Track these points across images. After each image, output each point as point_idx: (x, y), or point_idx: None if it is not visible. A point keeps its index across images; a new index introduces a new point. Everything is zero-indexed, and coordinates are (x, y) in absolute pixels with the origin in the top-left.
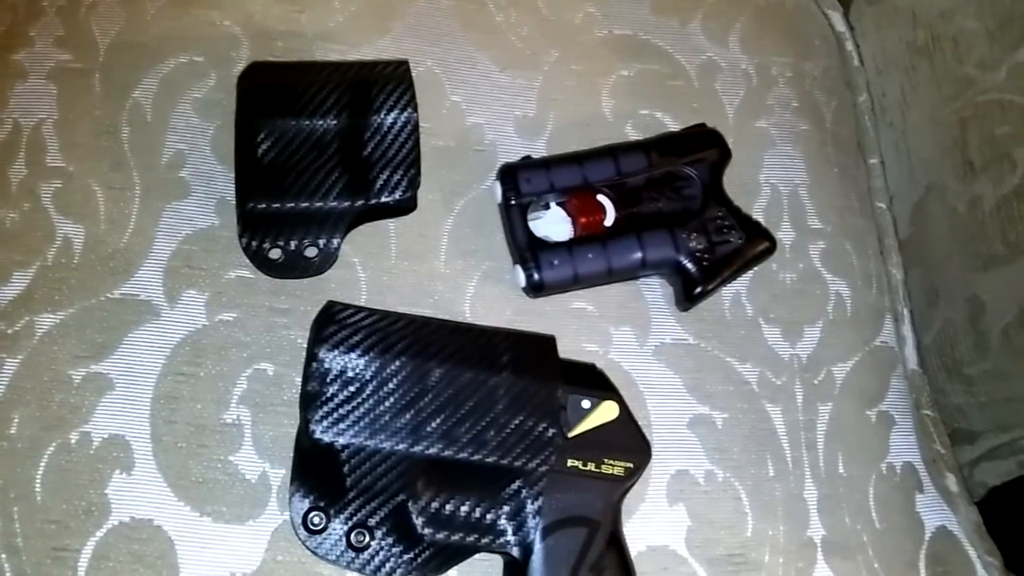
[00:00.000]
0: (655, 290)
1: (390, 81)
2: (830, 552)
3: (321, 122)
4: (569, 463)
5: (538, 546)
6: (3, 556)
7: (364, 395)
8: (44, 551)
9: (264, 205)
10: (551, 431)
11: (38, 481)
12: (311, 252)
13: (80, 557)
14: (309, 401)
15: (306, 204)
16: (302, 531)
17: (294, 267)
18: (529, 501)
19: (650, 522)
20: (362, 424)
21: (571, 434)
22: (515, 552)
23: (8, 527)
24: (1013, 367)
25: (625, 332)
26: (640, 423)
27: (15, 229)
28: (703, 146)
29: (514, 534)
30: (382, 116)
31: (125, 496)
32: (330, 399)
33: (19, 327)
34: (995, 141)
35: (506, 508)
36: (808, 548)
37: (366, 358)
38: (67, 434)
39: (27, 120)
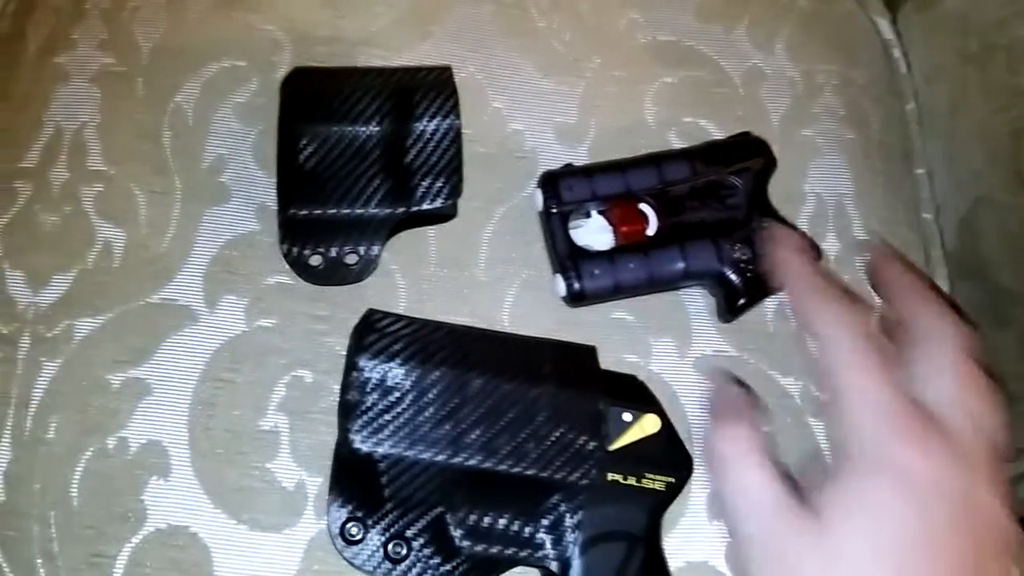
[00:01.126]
0: (697, 300)
1: (433, 88)
2: None
3: (363, 128)
4: (610, 477)
5: (576, 560)
6: (39, 561)
7: (404, 405)
8: (80, 557)
9: (306, 211)
10: (592, 444)
11: (75, 486)
12: (351, 259)
13: (116, 563)
14: (349, 410)
15: (347, 211)
16: (339, 541)
17: (334, 274)
18: (568, 515)
19: (690, 538)
20: (402, 434)
21: (612, 447)
22: (553, 566)
23: (45, 532)
24: None
25: (666, 343)
26: (681, 436)
27: (56, 232)
28: (748, 155)
29: (553, 548)
30: (424, 123)
31: (162, 502)
32: (370, 408)
33: (58, 331)
34: None
35: (545, 521)
36: None
37: (407, 367)
38: (104, 439)
39: (69, 123)
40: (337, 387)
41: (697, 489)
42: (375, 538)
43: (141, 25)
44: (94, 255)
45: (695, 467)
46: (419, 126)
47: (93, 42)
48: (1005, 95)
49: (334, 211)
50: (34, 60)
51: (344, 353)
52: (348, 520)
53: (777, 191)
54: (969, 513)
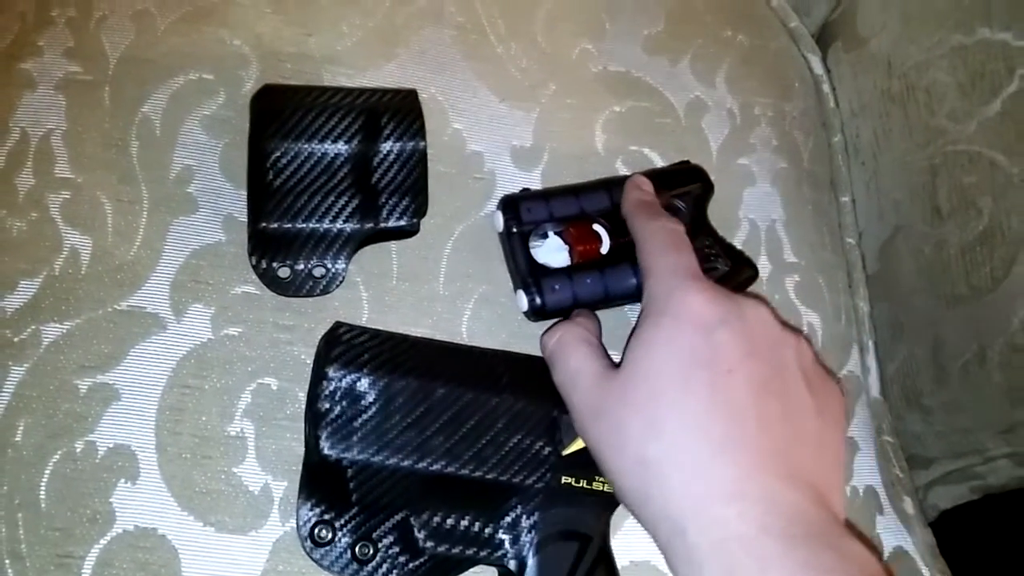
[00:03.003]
0: None
1: (400, 110)
2: None
3: (333, 146)
4: (563, 480)
5: (532, 559)
6: (7, 562)
7: (371, 413)
8: (48, 558)
9: (275, 225)
10: (547, 449)
11: (43, 488)
12: (319, 272)
13: (84, 564)
14: (318, 419)
15: (316, 226)
16: (308, 543)
17: (302, 286)
18: (525, 516)
19: (635, 538)
20: (369, 441)
21: (565, 452)
22: (511, 565)
23: (12, 533)
24: (969, 400)
25: (614, 356)
26: None
27: (22, 238)
28: (689, 180)
29: (511, 547)
30: (392, 143)
31: (130, 505)
32: (338, 417)
33: (25, 335)
34: (963, 190)
35: (503, 522)
36: None
37: (373, 378)
38: (73, 443)
39: (35, 130)
40: (302, 395)
41: None
42: (343, 540)
43: (109, 34)
44: (61, 262)
45: None
46: (386, 146)
47: (59, 50)
48: (924, 133)
49: (303, 225)
50: None
51: (309, 361)
52: (317, 523)
53: (714, 216)
54: (759, 339)
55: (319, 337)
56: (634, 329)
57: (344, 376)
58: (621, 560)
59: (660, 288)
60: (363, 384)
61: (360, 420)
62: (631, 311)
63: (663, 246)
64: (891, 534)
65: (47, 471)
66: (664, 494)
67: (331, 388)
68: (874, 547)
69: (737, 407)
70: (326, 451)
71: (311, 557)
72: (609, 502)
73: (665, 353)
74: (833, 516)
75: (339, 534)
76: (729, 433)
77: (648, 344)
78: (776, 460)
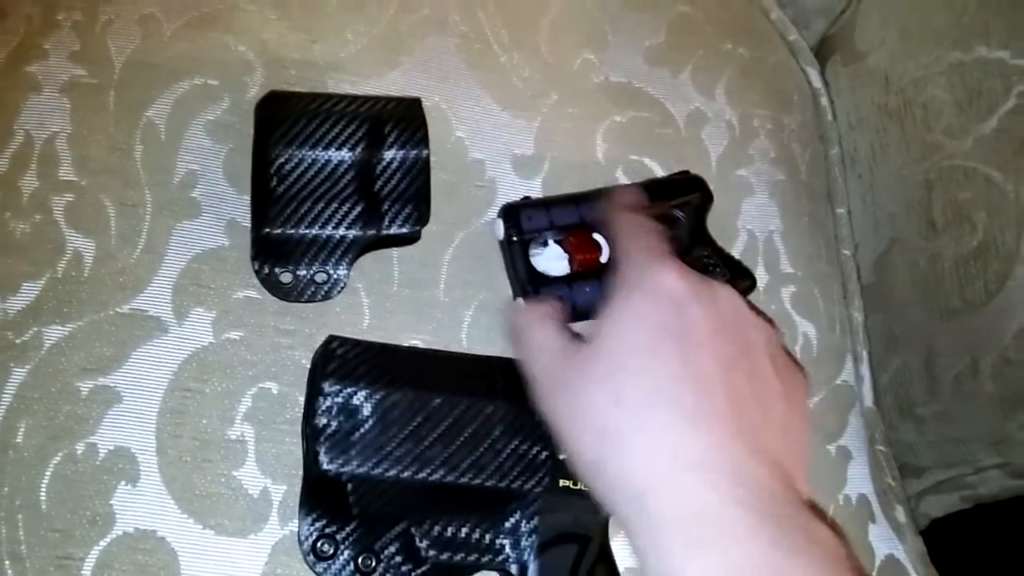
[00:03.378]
0: None
1: (404, 118)
2: None
3: (337, 153)
4: (561, 483)
5: (533, 562)
6: (7, 563)
7: (368, 426)
8: (48, 559)
9: (279, 231)
10: (544, 453)
11: (43, 490)
12: (321, 278)
13: (84, 566)
14: (316, 434)
15: (319, 232)
16: (311, 557)
17: (304, 292)
18: (525, 520)
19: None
20: (367, 453)
21: (562, 456)
22: (513, 569)
23: (12, 534)
24: (961, 411)
25: None
26: None
27: (25, 240)
28: (689, 190)
29: (512, 552)
30: (395, 151)
31: (130, 507)
32: (336, 432)
33: (27, 337)
34: (958, 204)
35: (504, 528)
36: None
37: (368, 391)
38: (73, 445)
39: (39, 132)
40: (302, 399)
41: None
42: (345, 552)
43: (114, 38)
44: (64, 264)
45: None
46: (390, 154)
47: (65, 53)
48: (920, 148)
49: (306, 231)
50: (4, 68)
51: (309, 366)
52: (319, 537)
53: (713, 226)
54: (729, 318)
55: (320, 342)
56: (603, 306)
57: (340, 391)
58: (622, 562)
59: (632, 268)
60: (359, 398)
61: (358, 434)
62: None
63: (636, 232)
64: (883, 542)
65: (48, 473)
66: (623, 461)
67: (328, 404)
68: (840, 531)
69: (706, 380)
70: (325, 466)
71: (314, 571)
72: None
73: (634, 325)
74: (800, 498)
75: (341, 547)
76: (699, 403)
77: (617, 317)
78: (745, 435)
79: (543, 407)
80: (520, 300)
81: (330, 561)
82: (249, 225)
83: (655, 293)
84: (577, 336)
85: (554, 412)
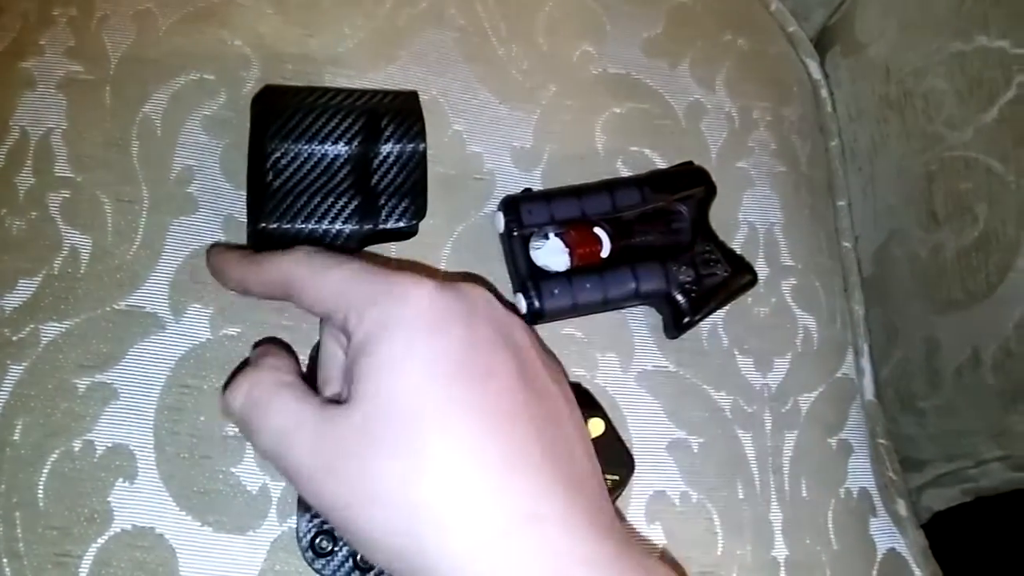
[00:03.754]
0: (639, 319)
1: (401, 112)
2: (792, 571)
3: (333, 147)
4: None
5: None
6: (5, 560)
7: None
8: (46, 556)
9: (275, 226)
10: None
11: (41, 487)
12: None
13: (82, 563)
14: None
15: (316, 226)
16: (310, 554)
17: None
18: None
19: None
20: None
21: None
22: None
23: (10, 532)
24: (962, 403)
25: (610, 358)
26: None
27: (21, 237)
28: (692, 183)
29: None
30: (392, 145)
31: (128, 504)
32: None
33: (24, 334)
34: (959, 195)
35: None
36: (772, 567)
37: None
38: (71, 442)
39: (35, 128)
40: None
41: (637, 494)
42: (344, 548)
43: (110, 34)
44: (60, 261)
45: (636, 467)
46: (386, 148)
47: (60, 49)
48: (921, 139)
49: (303, 226)
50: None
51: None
52: (318, 534)
53: (714, 219)
54: (493, 326)
55: (317, 340)
56: (347, 362)
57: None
58: None
59: (361, 305)
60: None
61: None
62: (631, 314)
63: (321, 268)
64: (884, 536)
65: (45, 470)
66: (443, 538)
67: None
68: (672, 560)
69: (507, 415)
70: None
71: (313, 568)
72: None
73: (408, 372)
74: (622, 527)
75: (340, 543)
76: (510, 448)
77: (380, 368)
78: (558, 468)
79: (320, 501)
80: (518, 296)
81: (329, 557)
82: (246, 221)
83: (412, 325)
84: (317, 391)
85: (336, 501)
